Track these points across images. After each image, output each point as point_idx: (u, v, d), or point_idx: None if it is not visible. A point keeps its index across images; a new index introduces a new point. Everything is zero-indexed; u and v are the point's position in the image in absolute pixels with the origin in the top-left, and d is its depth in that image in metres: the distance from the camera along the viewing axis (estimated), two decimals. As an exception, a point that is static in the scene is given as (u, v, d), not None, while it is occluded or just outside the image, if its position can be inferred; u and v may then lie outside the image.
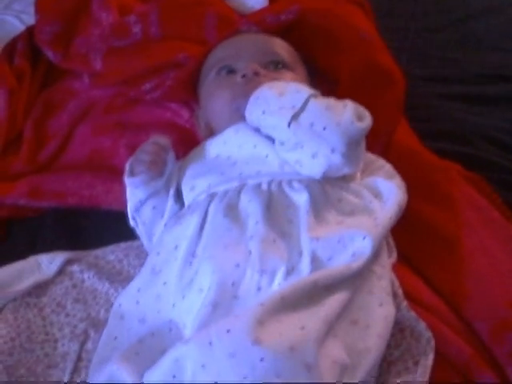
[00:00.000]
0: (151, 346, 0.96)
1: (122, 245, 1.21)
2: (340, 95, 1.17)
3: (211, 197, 1.07)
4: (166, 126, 1.36)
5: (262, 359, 0.79)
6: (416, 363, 0.94)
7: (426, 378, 0.92)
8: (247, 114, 1.11)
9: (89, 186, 1.30)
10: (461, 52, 1.62)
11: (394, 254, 1.07)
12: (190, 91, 1.34)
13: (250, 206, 1.03)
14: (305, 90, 1.07)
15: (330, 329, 0.88)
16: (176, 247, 1.03)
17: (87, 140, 1.39)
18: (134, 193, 1.16)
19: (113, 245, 1.21)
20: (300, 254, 0.98)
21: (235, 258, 0.97)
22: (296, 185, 1.05)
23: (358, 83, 1.27)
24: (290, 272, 0.95)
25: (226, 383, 0.80)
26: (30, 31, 1.57)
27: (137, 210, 1.16)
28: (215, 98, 1.21)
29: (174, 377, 0.85)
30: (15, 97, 1.46)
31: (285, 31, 1.32)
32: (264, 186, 1.05)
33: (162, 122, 1.38)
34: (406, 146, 1.28)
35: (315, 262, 0.96)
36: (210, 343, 0.82)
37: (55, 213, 1.30)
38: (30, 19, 1.64)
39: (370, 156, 1.15)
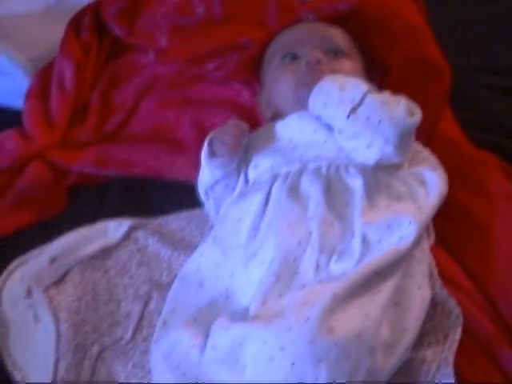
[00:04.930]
0: (208, 313, 1.16)
1: (184, 213, 1.42)
2: (390, 85, 1.38)
3: (274, 177, 1.27)
4: (228, 104, 1.56)
5: (335, 344, 1.00)
6: (445, 336, 1.15)
7: (454, 350, 1.13)
8: (310, 103, 1.30)
9: (154, 157, 1.50)
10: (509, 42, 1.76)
11: (432, 237, 1.27)
12: (251, 73, 1.53)
13: (311, 189, 1.23)
14: (363, 86, 1.27)
15: (385, 313, 1.08)
16: (239, 220, 1.24)
17: (152, 113, 1.59)
18: (213, 172, 1.34)
19: (175, 213, 1.41)
20: (352, 235, 1.18)
21: (297, 237, 1.17)
22: (352, 170, 1.25)
23: (408, 74, 1.46)
24: (344, 251, 1.16)
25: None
26: (96, 5, 1.73)
27: (211, 187, 1.36)
28: (280, 84, 1.40)
29: (239, 345, 1.06)
30: (82, 69, 1.64)
31: (341, 20, 1.49)
32: (323, 170, 1.25)
33: (224, 100, 1.57)
34: (448, 136, 1.47)
35: (366, 243, 1.16)
36: (290, 329, 1.02)
37: (121, 181, 1.51)
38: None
39: (417, 146, 1.34)
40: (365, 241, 1.17)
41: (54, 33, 1.70)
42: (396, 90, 1.38)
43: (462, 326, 1.16)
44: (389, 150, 1.23)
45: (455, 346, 1.14)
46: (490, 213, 1.33)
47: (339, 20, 1.50)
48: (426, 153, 1.35)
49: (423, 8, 1.64)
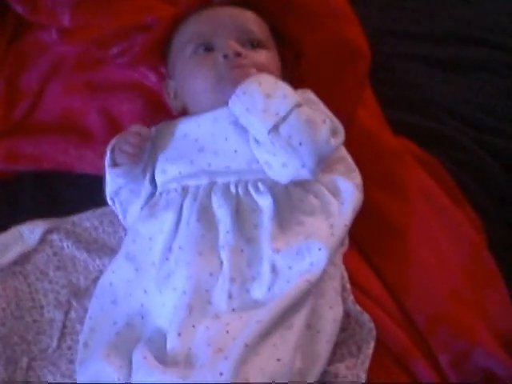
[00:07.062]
0: (127, 337, 1.20)
1: (97, 211, 1.44)
2: (304, 68, 1.34)
3: (184, 193, 1.27)
4: (135, 88, 1.51)
5: None
6: (359, 349, 1.19)
7: (367, 363, 1.17)
8: (231, 103, 1.27)
9: (63, 151, 1.49)
10: (437, 5, 1.69)
11: (346, 242, 1.29)
12: (157, 57, 1.47)
13: (221, 212, 1.23)
14: (291, 98, 1.24)
15: (298, 348, 1.11)
16: (150, 238, 1.26)
17: (58, 98, 1.56)
18: (115, 181, 1.36)
19: (88, 211, 1.43)
20: (261, 262, 1.20)
21: (209, 267, 1.19)
22: (261, 187, 1.25)
23: (323, 57, 1.42)
24: (254, 278, 1.19)
25: None
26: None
27: (116, 193, 1.38)
28: (196, 78, 1.35)
29: None
30: (-15, 53, 1.59)
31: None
32: (232, 189, 1.25)
33: (131, 84, 1.52)
34: (366, 126, 1.44)
35: (275, 272, 1.19)
36: None
37: (33, 175, 1.51)
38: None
39: None
40: (274, 269, 1.19)
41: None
42: (311, 73, 1.37)
43: (374, 339, 1.20)
44: (304, 173, 1.23)
45: (367, 362, 1.18)
46: (407, 215, 1.34)
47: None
48: (342, 151, 1.33)
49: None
